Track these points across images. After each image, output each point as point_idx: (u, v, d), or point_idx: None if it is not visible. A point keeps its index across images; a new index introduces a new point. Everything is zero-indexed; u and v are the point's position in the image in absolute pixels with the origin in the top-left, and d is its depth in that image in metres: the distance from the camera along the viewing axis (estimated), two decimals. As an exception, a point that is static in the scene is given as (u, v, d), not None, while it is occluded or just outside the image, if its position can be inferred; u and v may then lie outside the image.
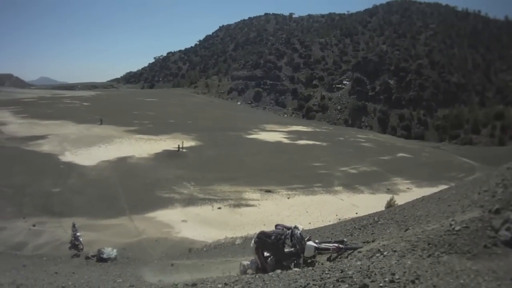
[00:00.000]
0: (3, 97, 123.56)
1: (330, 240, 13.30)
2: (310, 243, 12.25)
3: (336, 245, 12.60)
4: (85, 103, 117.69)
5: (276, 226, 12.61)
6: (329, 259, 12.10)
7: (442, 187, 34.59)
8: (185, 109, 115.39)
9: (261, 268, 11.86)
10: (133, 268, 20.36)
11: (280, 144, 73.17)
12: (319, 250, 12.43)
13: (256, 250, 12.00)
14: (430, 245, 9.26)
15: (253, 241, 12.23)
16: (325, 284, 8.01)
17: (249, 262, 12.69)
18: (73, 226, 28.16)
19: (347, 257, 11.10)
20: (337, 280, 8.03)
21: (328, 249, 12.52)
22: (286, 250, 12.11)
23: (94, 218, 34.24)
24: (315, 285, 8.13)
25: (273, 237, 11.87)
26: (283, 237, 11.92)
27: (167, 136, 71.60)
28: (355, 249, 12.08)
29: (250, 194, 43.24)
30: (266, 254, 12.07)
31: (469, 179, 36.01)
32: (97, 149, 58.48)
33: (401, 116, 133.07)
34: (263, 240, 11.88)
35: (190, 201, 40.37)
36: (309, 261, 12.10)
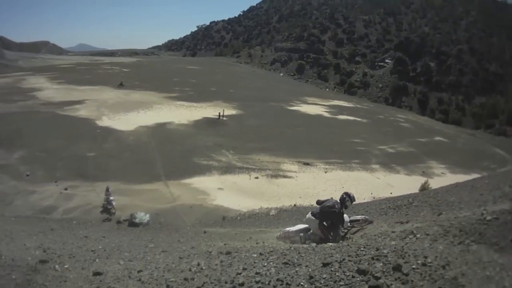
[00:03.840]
0: (39, 64, 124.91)
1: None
2: (346, 216, 13.31)
3: (364, 217, 14.43)
4: (124, 69, 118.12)
5: (317, 202, 13.28)
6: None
7: (475, 175, 34.54)
8: (227, 78, 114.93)
9: (325, 239, 12.22)
10: (166, 234, 20.19)
11: (320, 117, 72.27)
12: (351, 222, 13.70)
13: (320, 224, 12.47)
14: (462, 232, 9.08)
15: (310, 215, 12.98)
16: (360, 261, 8.14)
17: (304, 234, 13.27)
18: (107, 190, 28.09)
19: (380, 236, 10.92)
20: (372, 258, 8.18)
21: (358, 220, 13.96)
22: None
23: (128, 183, 34.10)
24: (351, 261, 8.26)
25: (337, 205, 12.46)
26: (347, 202, 12.74)
27: (208, 103, 71.16)
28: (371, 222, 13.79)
29: (288, 166, 42.65)
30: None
31: (501, 171, 35.22)
32: (135, 115, 58.35)
33: (440, 99, 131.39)
34: (324, 212, 12.49)
35: (228, 169, 40.04)
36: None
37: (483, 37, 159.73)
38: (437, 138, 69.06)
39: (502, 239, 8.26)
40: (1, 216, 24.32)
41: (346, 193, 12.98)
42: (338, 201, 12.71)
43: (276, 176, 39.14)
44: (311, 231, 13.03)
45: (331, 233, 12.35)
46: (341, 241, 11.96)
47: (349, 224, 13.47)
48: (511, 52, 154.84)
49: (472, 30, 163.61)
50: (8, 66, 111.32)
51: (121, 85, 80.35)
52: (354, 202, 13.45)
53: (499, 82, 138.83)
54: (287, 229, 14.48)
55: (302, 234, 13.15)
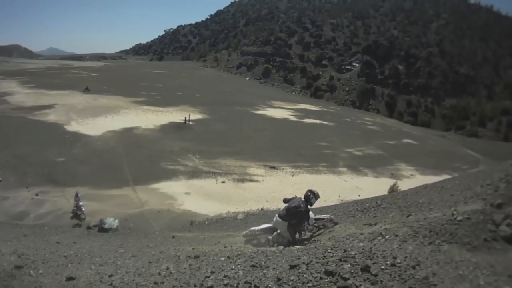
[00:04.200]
0: (11, 68, 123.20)
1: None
2: (311, 213, 13.83)
3: (329, 216, 14.89)
4: (93, 74, 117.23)
5: (284, 200, 13.82)
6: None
7: (446, 176, 34.84)
8: (193, 82, 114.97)
9: (293, 242, 12.63)
10: (135, 239, 20.50)
11: (286, 121, 72.82)
12: (316, 220, 14.21)
13: (288, 227, 12.89)
14: (432, 233, 9.39)
15: (278, 218, 13.42)
16: (327, 263, 8.34)
17: (271, 237, 13.52)
18: (76, 195, 28.32)
19: (348, 238, 11.16)
20: (340, 259, 8.35)
21: (323, 219, 14.47)
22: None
23: (97, 188, 34.21)
24: (318, 262, 8.46)
25: (302, 205, 12.95)
26: (312, 199, 13.29)
27: (174, 108, 71.29)
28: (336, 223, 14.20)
29: (255, 170, 43.13)
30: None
31: (472, 171, 36.12)
32: (103, 119, 58.24)
33: (409, 102, 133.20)
34: (291, 213, 12.92)
35: (194, 173, 40.32)
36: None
37: (454, 40, 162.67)
38: (406, 140, 70.08)
39: (474, 238, 8.72)
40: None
41: (310, 191, 13.47)
42: (303, 199, 13.29)
43: (242, 180, 39.55)
44: (278, 231, 13.44)
45: (298, 234, 12.97)
46: (307, 242, 12.57)
47: (314, 221, 14.07)
48: (483, 54, 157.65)
49: (443, 33, 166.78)
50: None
51: (87, 90, 79.71)
52: (318, 199, 13.92)
53: (470, 84, 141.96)
54: (253, 228, 15.13)
55: (270, 237, 13.50)
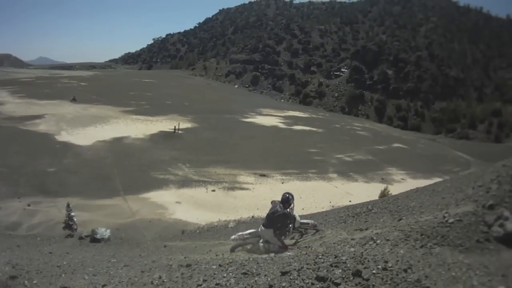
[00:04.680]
0: (1, 77, 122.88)
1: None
2: (297, 216, 14.01)
3: (313, 222, 15.11)
4: (82, 83, 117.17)
5: (271, 202, 13.55)
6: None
7: (437, 179, 34.88)
8: (183, 91, 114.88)
9: (283, 247, 12.69)
10: (127, 249, 20.50)
11: (276, 128, 73.21)
12: (301, 224, 14.28)
13: (274, 233, 12.80)
14: (423, 236, 9.42)
15: (262, 227, 13.26)
16: (318, 268, 8.24)
17: (262, 245, 13.38)
18: (68, 206, 28.39)
19: (339, 243, 11.26)
20: (331, 265, 8.28)
21: (308, 224, 14.67)
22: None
23: (88, 198, 34.34)
24: (309, 268, 8.37)
25: (279, 208, 12.90)
26: (292, 203, 13.18)
27: (163, 117, 71.44)
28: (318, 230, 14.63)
29: (245, 178, 43.41)
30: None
31: (464, 174, 36.26)
32: (93, 129, 58.32)
33: (398, 106, 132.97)
34: (272, 219, 12.82)
35: (185, 182, 40.52)
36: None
37: (443, 43, 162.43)
38: (396, 144, 70.66)
39: (467, 240, 8.80)
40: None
41: (287, 192, 13.38)
42: (280, 202, 13.22)
43: (233, 189, 39.82)
44: (266, 240, 13.30)
45: (283, 237, 13.13)
46: (298, 249, 12.62)
47: (299, 224, 14.21)
48: (472, 56, 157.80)
49: (432, 36, 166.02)
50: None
51: (74, 100, 79.55)
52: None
53: (460, 86, 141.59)
54: (241, 233, 15.12)
55: (262, 244, 13.44)
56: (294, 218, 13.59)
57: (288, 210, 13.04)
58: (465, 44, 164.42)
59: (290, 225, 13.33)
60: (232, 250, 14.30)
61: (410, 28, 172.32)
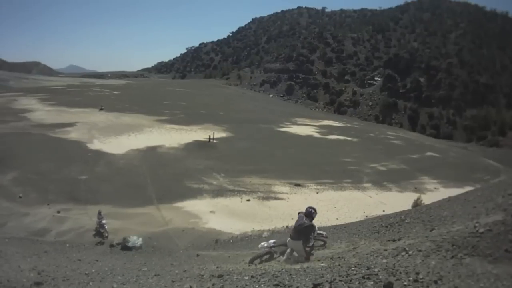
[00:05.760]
0: (30, 85, 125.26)
1: None
2: (316, 226, 14.38)
3: (325, 233, 16.56)
4: (115, 92, 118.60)
5: (298, 213, 14.40)
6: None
7: (468, 188, 34.23)
8: (217, 100, 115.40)
9: (307, 258, 12.90)
10: (158, 258, 20.21)
11: (311, 138, 72.52)
12: (317, 234, 14.91)
13: (303, 244, 13.12)
14: (454, 246, 9.28)
15: (291, 240, 13.75)
16: (351, 280, 8.19)
17: (289, 256, 13.77)
18: (99, 213, 28.16)
19: (372, 254, 10.98)
20: (363, 277, 8.21)
21: (322, 234, 15.87)
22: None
23: (120, 207, 34.11)
24: (341, 281, 8.31)
25: (306, 220, 13.49)
26: (313, 214, 13.81)
27: (198, 126, 71.26)
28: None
29: (279, 187, 42.79)
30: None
31: (494, 182, 35.41)
32: (126, 138, 58.36)
33: (431, 114, 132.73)
34: (300, 231, 13.35)
35: (219, 192, 40.06)
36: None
37: (472, 49, 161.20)
38: (429, 153, 69.53)
39: (496, 250, 8.45)
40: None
41: (310, 207, 14.01)
42: (303, 215, 13.71)
43: (267, 198, 39.24)
44: (294, 252, 13.62)
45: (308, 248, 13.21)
46: (331, 260, 12.06)
47: (316, 234, 14.39)
48: (501, 62, 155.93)
49: (462, 43, 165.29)
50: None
51: (101, 109, 79.70)
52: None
53: (490, 93, 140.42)
54: (264, 243, 15.37)
55: (290, 255, 13.65)
56: (315, 228, 14.00)
57: (312, 222, 13.63)
58: (494, 49, 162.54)
59: (312, 235, 13.53)
60: (251, 261, 14.39)
61: (440, 35, 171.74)
